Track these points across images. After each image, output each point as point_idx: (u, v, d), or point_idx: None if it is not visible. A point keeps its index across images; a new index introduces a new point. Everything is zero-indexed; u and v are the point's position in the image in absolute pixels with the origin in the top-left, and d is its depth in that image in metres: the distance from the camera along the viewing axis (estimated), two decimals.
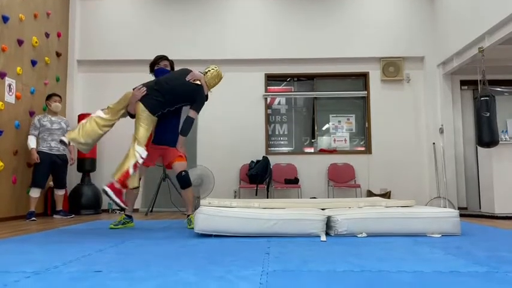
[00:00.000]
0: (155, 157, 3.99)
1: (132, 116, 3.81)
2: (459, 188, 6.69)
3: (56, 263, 2.05)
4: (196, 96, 3.81)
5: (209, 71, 3.94)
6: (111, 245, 2.70)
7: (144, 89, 3.73)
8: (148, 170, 4.07)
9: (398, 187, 6.79)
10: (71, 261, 2.11)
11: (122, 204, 3.46)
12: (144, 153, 3.55)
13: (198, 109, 3.82)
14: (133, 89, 3.77)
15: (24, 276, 1.76)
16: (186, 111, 3.88)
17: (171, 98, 3.74)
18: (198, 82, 3.85)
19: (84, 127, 3.65)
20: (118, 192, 3.41)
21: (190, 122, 3.78)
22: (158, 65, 4.13)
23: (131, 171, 3.44)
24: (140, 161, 3.51)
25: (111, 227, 3.87)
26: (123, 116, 3.84)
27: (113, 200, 3.38)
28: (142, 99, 3.68)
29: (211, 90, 3.98)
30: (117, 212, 6.48)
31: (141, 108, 3.66)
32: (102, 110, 3.78)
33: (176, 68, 4.18)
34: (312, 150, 7.18)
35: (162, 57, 4.18)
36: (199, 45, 6.98)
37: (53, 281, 1.67)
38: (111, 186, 3.38)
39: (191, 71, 3.90)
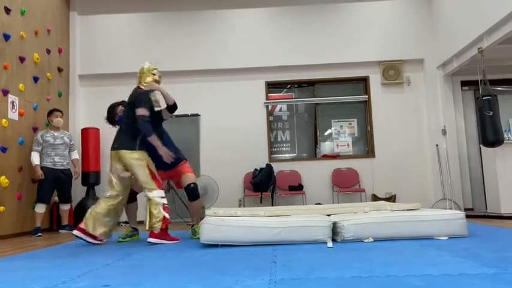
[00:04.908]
0: (163, 179, 3.96)
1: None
2: (464, 189, 6.66)
3: (64, 278, 2.06)
4: (132, 97, 3.72)
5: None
6: (118, 259, 2.70)
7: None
8: None
9: (403, 190, 6.77)
10: (79, 276, 2.12)
11: (175, 242, 3.57)
12: (162, 193, 3.60)
13: (137, 106, 3.60)
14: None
15: None
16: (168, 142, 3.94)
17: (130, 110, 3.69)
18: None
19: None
20: (163, 235, 3.52)
21: (140, 120, 3.56)
22: (116, 114, 4.10)
23: (167, 215, 3.56)
24: (165, 201, 3.59)
25: (119, 240, 3.90)
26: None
27: (166, 244, 3.47)
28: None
29: (144, 84, 3.77)
30: (122, 225, 6.47)
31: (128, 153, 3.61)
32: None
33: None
34: (315, 156, 7.18)
35: (117, 104, 4.12)
36: (199, 56, 7.01)
37: None
38: (154, 235, 3.47)
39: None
